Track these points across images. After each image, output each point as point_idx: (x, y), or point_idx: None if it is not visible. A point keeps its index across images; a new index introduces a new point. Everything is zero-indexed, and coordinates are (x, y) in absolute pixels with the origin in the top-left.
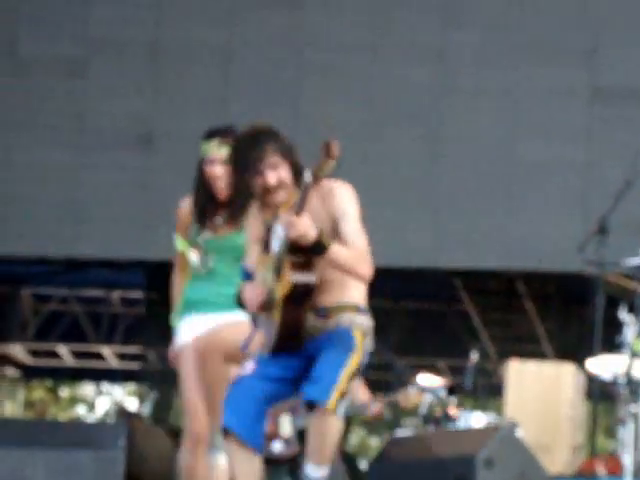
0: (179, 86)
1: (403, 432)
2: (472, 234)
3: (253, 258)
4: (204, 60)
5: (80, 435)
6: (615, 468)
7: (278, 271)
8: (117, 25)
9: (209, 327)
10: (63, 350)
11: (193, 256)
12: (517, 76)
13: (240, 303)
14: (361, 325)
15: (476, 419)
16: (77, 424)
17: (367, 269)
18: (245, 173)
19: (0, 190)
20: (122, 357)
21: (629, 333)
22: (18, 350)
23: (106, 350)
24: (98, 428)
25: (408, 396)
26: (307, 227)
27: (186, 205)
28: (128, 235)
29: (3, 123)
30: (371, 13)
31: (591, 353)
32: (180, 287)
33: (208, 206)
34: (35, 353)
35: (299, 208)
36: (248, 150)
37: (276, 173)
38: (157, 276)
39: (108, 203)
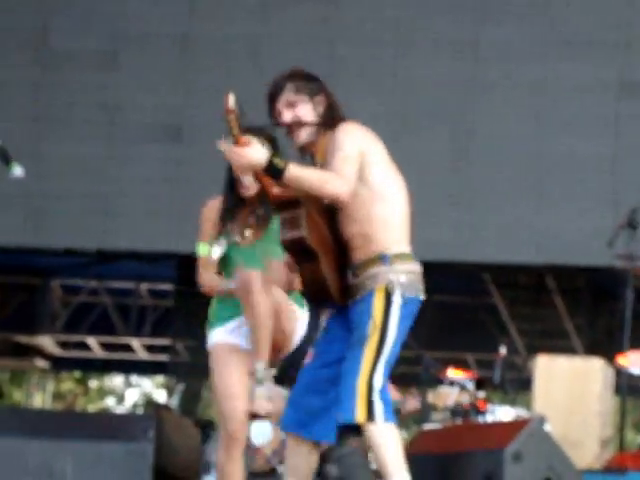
0: (210, 79)
1: (431, 425)
2: (502, 228)
3: None
4: (235, 53)
5: (109, 427)
6: None
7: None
8: (149, 18)
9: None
10: (92, 342)
11: (217, 249)
12: (547, 71)
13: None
14: (384, 279)
15: (504, 413)
16: (106, 416)
17: (337, 188)
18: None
19: (31, 183)
20: (151, 349)
21: None
22: (47, 342)
23: (135, 342)
24: (127, 420)
25: (440, 394)
26: (252, 156)
27: (213, 206)
28: (158, 228)
29: (34, 116)
30: (403, 8)
31: (620, 348)
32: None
33: (237, 208)
34: (64, 345)
35: (234, 138)
36: (269, 93)
37: (292, 111)
38: (186, 269)
39: (138, 196)
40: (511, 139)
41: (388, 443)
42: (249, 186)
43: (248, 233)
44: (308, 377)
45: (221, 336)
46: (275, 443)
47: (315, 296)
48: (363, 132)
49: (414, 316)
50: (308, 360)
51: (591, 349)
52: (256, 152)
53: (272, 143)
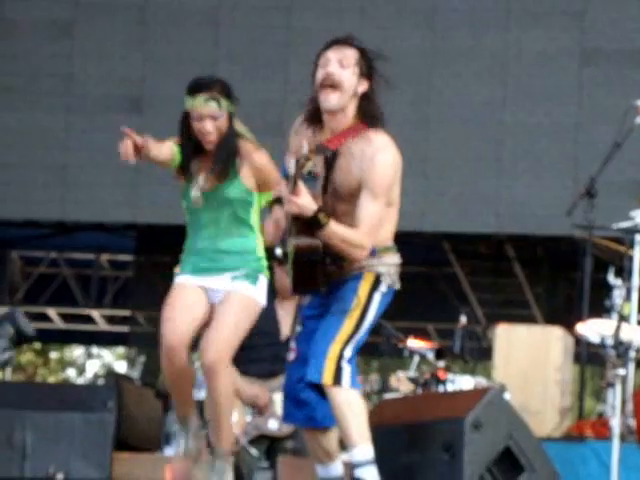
0: (168, 50)
1: (392, 395)
2: (461, 197)
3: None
4: (193, 23)
5: (69, 398)
6: (603, 431)
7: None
8: None
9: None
10: (52, 313)
11: (194, 191)
12: (507, 39)
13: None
14: (374, 271)
15: (464, 382)
16: (66, 386)
17: (361, 253)
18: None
19: None
20: (111, 320)
21: (617, 296)
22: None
23: (95, 313)
24: (87, 391)
25: (401, 379)
26: (303, 206)
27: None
28: (117, 199)
29: None
30: None
31: (580, 317)
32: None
33: (193, 158)
34: (25, 314)
35: (293, 186)
36: (335, 39)
37: (339, 69)
38: (146, 239)
39: (98, 167)
40: (472, 108)
41: (353, 410)
42: (213, 141)
43: (203, 180)
44: (297, 373)
45: (187, 278)
46: (242, 423)
47: (305, 285)
48: (396, 153)
49: (387, 307)
50: (292, 356)
51: (551, 318)
52: (308, 203)
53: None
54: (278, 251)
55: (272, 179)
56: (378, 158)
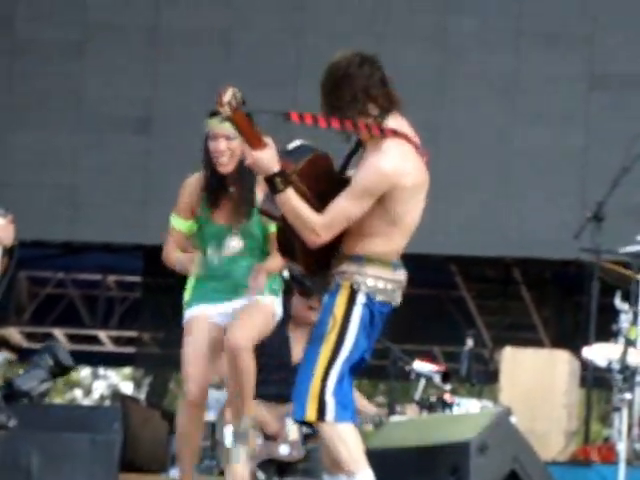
0: (178, 71)
1: (397, 418)
2: (470, 220)
3: None
4: (204, 43)
5: (76, 418)
6: (609, 455)
7: None
8: (116, 8)
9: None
10: (59, 334)
11: (233, 243)
12: (516, 62)
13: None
14: (350, 278)
15: (471, 405)
16: (73, 407)
17: (309, 237)
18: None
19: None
20: (118, 341)
21: (624, 321)
22: (14, 333)
23: (102, 334)
24: (94, 411)
25: (409, 408)
26: (259, 159)
27: (194, 183)
28: (126, 219)
29: (1, 105)
30: None
31: (586, 341)
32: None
33: (219, 189)
34: (31, 336)
35: (249, 141)
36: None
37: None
38: (154, 260)
39: (106, 187)
40: (481, 130)
41: (344, 441)
42: (226, 164)
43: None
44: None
45: (200, 310)
46: (253, 446)
47: (287, 253)
48: (395, 160)
49: (383, 319)
50: None
51: (557, 342)
52: (267, 160)
53: None
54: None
55: None
56: (372, 161)
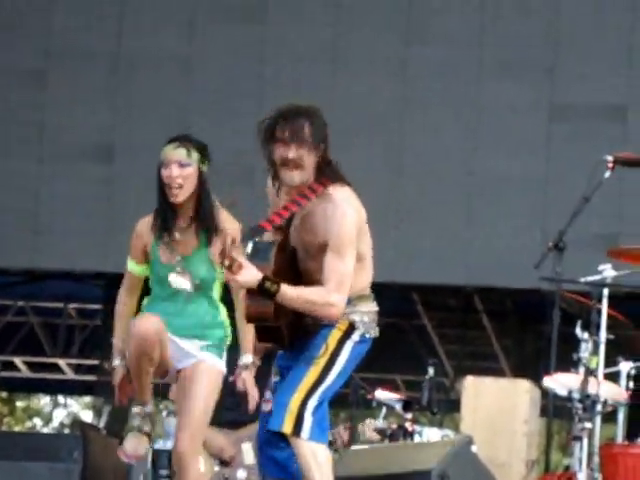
0: (141, 98)
1: (360, 446)
2: (431, 249)
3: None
4: (165, 72)
5: (35, 446)
6: None
7: None
8: (77, 36)
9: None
10: (19, 362)
11: (180, 280)
12: (479, 91)
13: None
14: (345, 316)
15: (432, 434)
16: (32, 435)
17: (330, 311)
18: (269, 141)
19: None
20: (78, 369)
21: (584, 350)
22: None
23: (62, 362)
24: (53, 439)
25: (369, 425)
26: (245, 282)
27: (145, 224)
28: (87, 247)
29: None
30: (335, 25)
31: (547, 370)
32: (128, 308)
33: (169, 215)
34: None
35: (230, 264)
36: (281, 121)
37: (296, 151)
38: (115, 288)
39: (67, 215)
40: (443, 159)
41: (314, 461)
42: (177, 194)
43: (177, 237)
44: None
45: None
46: (210, 474)
47: (266, 335)
48: (358, 206)
49: (363, 355)
50: (268, 407)
51: (518, 371)
52: (250, 277)
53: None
54: None
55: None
56: (338, 215)
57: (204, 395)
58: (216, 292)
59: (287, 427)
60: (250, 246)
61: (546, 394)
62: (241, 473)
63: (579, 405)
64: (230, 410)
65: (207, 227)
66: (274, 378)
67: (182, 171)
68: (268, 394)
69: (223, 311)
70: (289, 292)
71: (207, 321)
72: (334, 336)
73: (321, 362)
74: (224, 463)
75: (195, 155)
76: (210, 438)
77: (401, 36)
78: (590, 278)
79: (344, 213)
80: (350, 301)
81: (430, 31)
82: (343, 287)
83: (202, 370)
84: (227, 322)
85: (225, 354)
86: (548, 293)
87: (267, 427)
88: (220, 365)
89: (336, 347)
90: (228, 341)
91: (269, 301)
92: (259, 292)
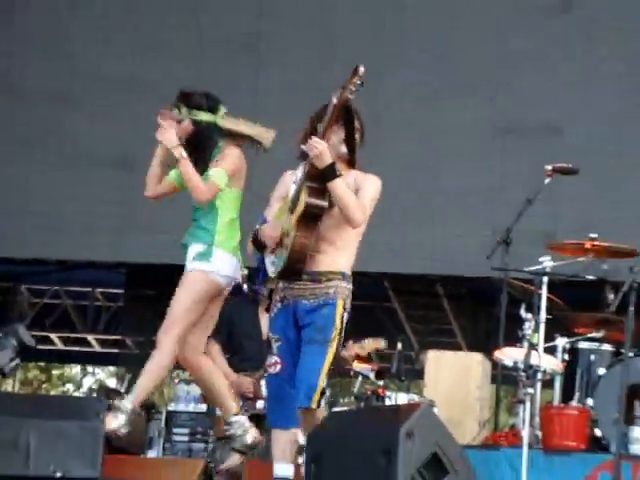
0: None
1: (339, 408)
2: (401, 244)
3: (273, 210)
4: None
5: (67, 408)
6: (514, 440)
7: (294, 203)
8: (99, 60)
9: None
10: (54, 337)
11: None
12: (438, 111)
13: (257, 243)
14: (343, 291)
15: (400, 398)
16: (65, 398)
17: (361, 216)
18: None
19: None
20: (104, 343)
21: (527, 328)
22: None
23: (90, 337)
24: (82, 402)
25: (364, 346)
26: (325, 150)
27: None
28: (109, 242)
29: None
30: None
31: (497, 345)
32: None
33: None
34: (25, 328)
35: (324, 130)
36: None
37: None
38: (133, 276)
39: (95, 215)
40: (408, 172)
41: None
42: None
43: None
44: (283, 385)
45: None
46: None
47: (293, 268)
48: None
49: None
50: (277, 368)
51: (472, 346)
52: (326, 156)
53: None
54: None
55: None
56: (370, 178)
57: (178, 296)
58: (220, 201)
59: (315, 404)
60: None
61: (496, 365)
62: (260, 403)
63: (523, 374)
64: (252, 359)
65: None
66: (276, 343)
67: (180, 125)
68: (274, 358)
69: (219, 218)
70: (342, 183)
71: (202, 225)
72: (338, 317)
73: (334, 344)
74: (248, 399)
75: (184, 110)
76: (232, 377)
77: (369, 61)
78: (532, 268)
79: (379, 184)
80: (345, 277)
81: (398, 58)
82: (365, 213)
83: (184, 277)
84: (217, 227)
85: (216, 257)
86: (497, 280)
87: (299, 405)
88: (205, 267)
89: (340, 329)
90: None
91: (325, 199)
92: (328, 171)
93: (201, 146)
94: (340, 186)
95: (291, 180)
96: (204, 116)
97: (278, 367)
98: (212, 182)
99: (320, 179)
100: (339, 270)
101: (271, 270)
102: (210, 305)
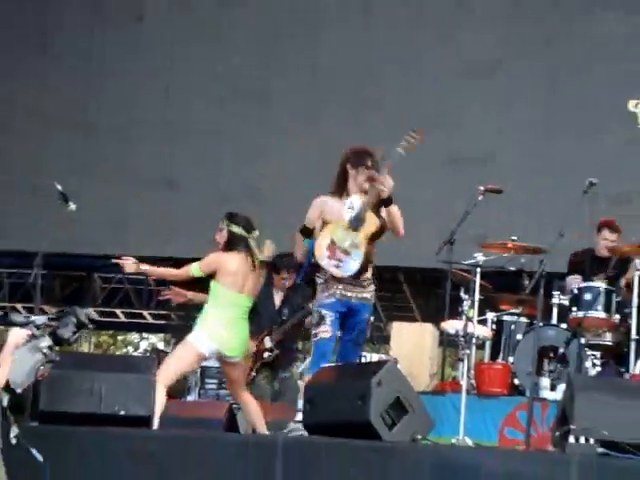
0: (191, 152)
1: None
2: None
3: (316, 226)
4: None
5: (129, 364)
6: (456, 387)
7: (361, 222)
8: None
9: None
10: (119, 312)
11: None
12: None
13: (306, 232)
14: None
15: (373, 358)
16: (127, 357)
17: (401, 231)
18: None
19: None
20: (156, 316)
21: (465, 305)
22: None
23: (146, 312)
24: (140, 359)
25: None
26: (391, 185)
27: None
28: (160, 239)
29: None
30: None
31: (443, 318)
32: None
33: None
34: (102, 313)
35: (389, 170)
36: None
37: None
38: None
39: (146, 217)
40: None
41: None
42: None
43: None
44: (329, 344)
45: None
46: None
47: (360, 272)
48: None
49: None
50: (327, 334)
51: (425, 319)
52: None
53: None
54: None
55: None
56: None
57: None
58: (213, 285)
59: None
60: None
61: (442, 333)
62: (267, 341)
63: (462, 339)
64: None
65: None
66: (330, 319)
67: (220, 233)
68: (327, 327)
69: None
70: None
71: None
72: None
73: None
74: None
75: (225, 222)
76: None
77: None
78: (469, 261)
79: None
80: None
81: (372, 96)
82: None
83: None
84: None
85: (205, 333)
86: (444, 270)
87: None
88: (190, 337)
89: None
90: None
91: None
92: (388, 198)
93: (228, 248)
94: (396, 208)
95: (332, 204)
96: (236, 229)
97: (328, 334)
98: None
99: (379, 205)
100: (371, 278)
101: (335, 271)
102: None
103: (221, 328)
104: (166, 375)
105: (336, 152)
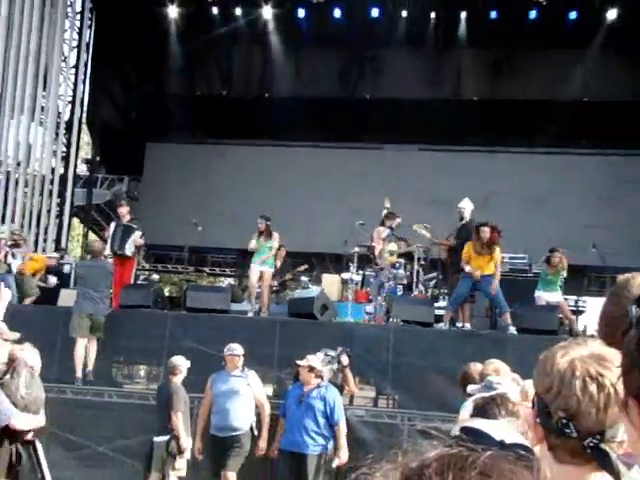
0: (222, 217)
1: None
2: (305, 234)
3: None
4: (247, 211)
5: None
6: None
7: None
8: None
9: None
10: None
11: None
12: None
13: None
14: None
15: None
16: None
17: None
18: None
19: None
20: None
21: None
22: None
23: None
24: (223, 288)
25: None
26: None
27: None
28: (225, 237)
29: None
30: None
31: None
32: None
33: None
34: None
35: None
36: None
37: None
38: (240, 257)
39: (217, 221)
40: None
41: None
42: None
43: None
44: None
45: None
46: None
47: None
48: None
49: None
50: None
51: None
52: None
53: None
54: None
55: None
56: None
57: None
58: None
59: None
60: None
61: (345, 280)
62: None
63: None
64: None
65: None
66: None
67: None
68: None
69: None
70: None
71: None
72: None
73: None
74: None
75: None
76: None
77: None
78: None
79: None
80: None
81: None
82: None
83: None
84: None
85: None
86: (348, 254)
87: None
88: None
89: None
90: None
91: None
92: None
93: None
94: None
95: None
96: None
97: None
98: None
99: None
100: None
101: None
102: None
103: None
104: None
105: None
